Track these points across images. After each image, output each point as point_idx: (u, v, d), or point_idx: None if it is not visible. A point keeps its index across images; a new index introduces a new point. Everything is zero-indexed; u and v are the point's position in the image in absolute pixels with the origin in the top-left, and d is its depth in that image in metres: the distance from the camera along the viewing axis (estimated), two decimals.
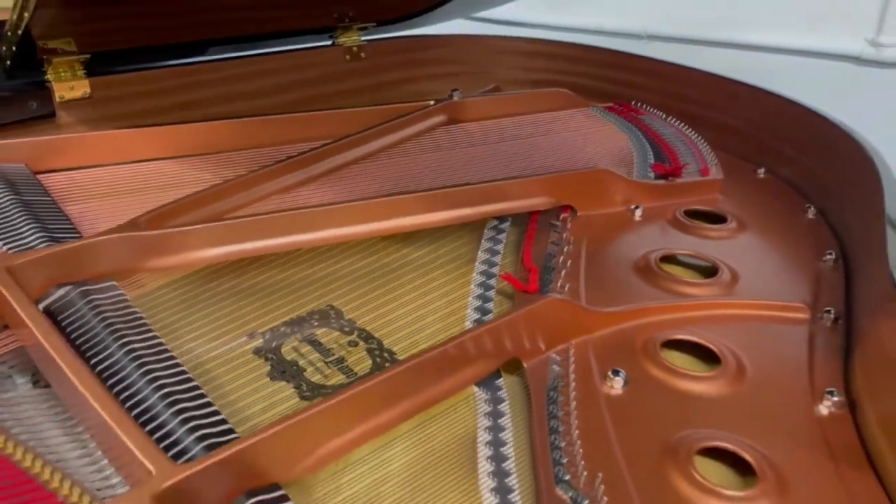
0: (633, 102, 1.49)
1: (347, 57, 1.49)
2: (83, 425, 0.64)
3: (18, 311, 0.71)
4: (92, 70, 1.19)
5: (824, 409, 0.72)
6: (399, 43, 1.53)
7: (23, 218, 0.91)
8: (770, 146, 1.31)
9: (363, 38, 1.50)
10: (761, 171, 1.29)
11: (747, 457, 0.65)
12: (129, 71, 1.24)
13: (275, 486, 0.58)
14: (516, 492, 0.61)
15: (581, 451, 0.65)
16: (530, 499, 0.61)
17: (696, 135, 1.34)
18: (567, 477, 0.62)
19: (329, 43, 1.48)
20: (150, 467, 0.54)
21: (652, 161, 1.24)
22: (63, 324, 0.76)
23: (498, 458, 0.65)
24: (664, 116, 1.43)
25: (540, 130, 1.36)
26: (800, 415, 0.72)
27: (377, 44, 1.51)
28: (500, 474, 0.63)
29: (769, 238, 1.08)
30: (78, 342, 0.73)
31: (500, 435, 0.67)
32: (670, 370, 0.76)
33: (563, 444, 0.65)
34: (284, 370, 0.78)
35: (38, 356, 0.70)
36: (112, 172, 1.10)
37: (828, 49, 1.50)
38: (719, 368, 0.77)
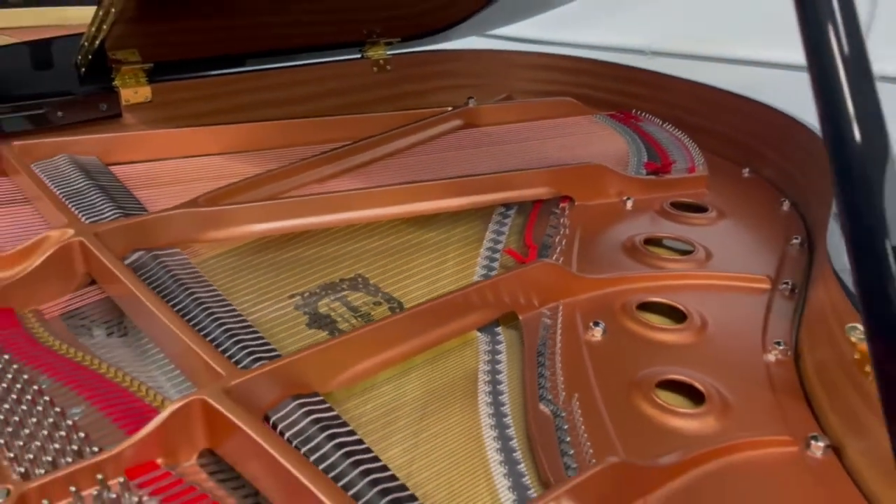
0: (633, 111, 1.64)
1: (374, 69, 1.65)
2: (162, 348, 0.80)
3: (109, 266, 0.87)
4: (153, 77, 1.37)
5: (772, 356, 0.86)
6: (421, 56, 1.70)
7: (99, 197, 1.07)
8: (754, 149, 1.45)
9: (389, 52, 1.67)
10: (746, 170, 1.43)
11: (698, 385, 0.79)
12: (185, 79, 1.42)
13: (315, 394, 0.73)
14: (508, 413, 0.75)
15: (562, 378, 0.79)
16: (519, 415, 0.75)
17: (687, 139, 1.49)
18: (549, 396, 0.76)
19: (358, 56, 1.65)
20: (221, 371, 0.69)
21: (645, 160, 1.39)
22: (142, 278, 0.92)
23: (495, 387, 0.79)
24: (661, 123, 1.57)
25: (547, 134, 1.51)
26: (750, 360, 0.85)
27: (402, 57, 1.67)
28: (496, 401, 0.77)
29: (745, 226, 1.22)
30: (156, 290, 0.89)
31: (497, 370, 0.82)
32: (643, 323, 0.90)
33: (547, 374, 0.80)
34: (319, 322, 0.93)
35: (124, 301, 0.86)
36: (169, 165, 1.27)
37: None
38: (685, 323, 0.91)
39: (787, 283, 1.00)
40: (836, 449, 0.72)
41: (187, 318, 0.82)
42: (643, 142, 1.48)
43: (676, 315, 0.95)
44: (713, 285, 1.01)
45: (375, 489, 0.62)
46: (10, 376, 0.73)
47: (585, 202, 1.23)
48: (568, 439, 0.71)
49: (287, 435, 0.67)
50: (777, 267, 1.07)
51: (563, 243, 1.09)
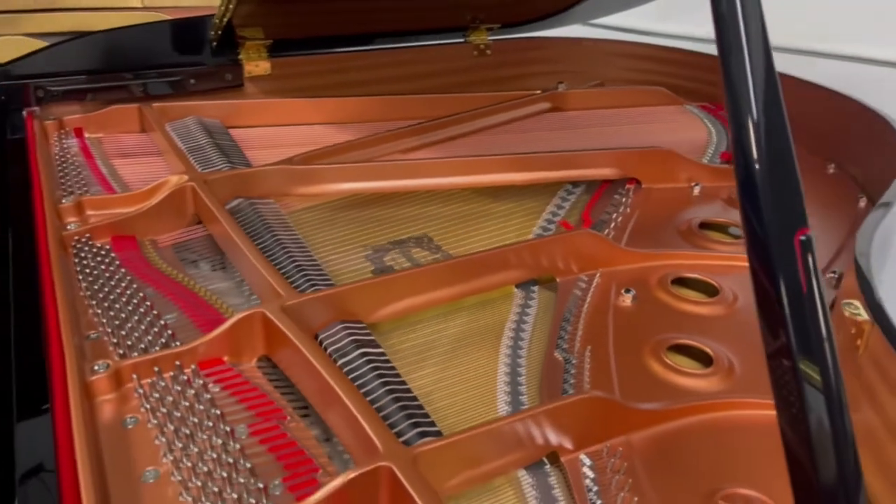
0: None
1: (475, 53, 1.76)
2: (242, 273, 0.96)
3: (211, 207, 1.03)
4: (273, 53, 1.54)
5: None
6: (520, 42, 1.79)
7: (214, 152, 1.25)
8: (842, 145, 1.43)
9: (490, 37, 1.77)
10: (831, 166, 1.43)
11: (708, 350, 0.85)
12: (301, 55, 1.58)
13: (360, 321, 0.85)
14: (523, 360, 0.85)
15: (581, 333, 0.87)
16: (533, 363, 0.84)
17: None
18: (566, 346, 0.85)
19: (461, 40, 1.76)
20: (281, 292, 0.83)
21: (723, 150, 1.41)
22: (238, 221, 1.08)
23: (517, 334, 0.88)
24: None
25: (630, 120, 1.56)
26: None
27: (501, 42, 1.77)
28: (515, 345, 0.87)
29: (811, 218, 1.23)
30: (246, 233, 1.04)
31: (524, 321, 0.91)
32: (674, 295, 0.96)
33: (569, 328, 0.88)
34: (383, 272, 1.05)
35: (219, 237, 1.03)
36: (279, 131, 1.45)
37: None
38: (715, 297, 0.96)
39: (834, 272, 1.02)
40: None
41: (265, 251, 0.97)
42: (727, 133, 1.50)
43: (712, 292, 1.00)
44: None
45: (397, 405, 0.73)
46: (123, 284, 0.90)
47: (652, 185, 1.29)
48: (572, 381, 0.79)
49: (329, 350, 0.80)
50: (831, 258, 1.09)
51: (619, 220, 1.16)
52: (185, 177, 1.11)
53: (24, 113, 1.35)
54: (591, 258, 1.01)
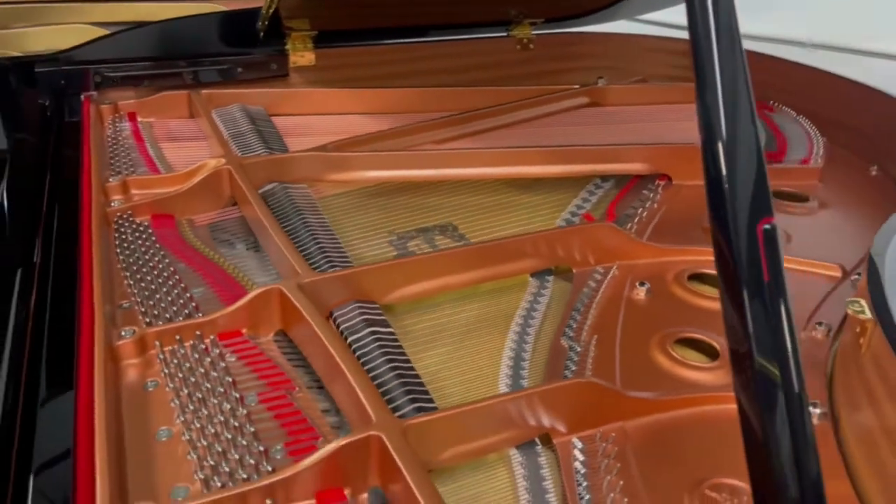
0: (770, 102, 1.63)
1: (518, 47, 1.77)
2: (266, 251, 1.00)
3: (244, 190, 1.08)
4: (318, 44, 1.59)
5: (807, 334, 0.89)
6: (564, 37, 1.79)
7: (255, 139, 1.31)
8: (886, 146, 1.40)
9: (534, 32, 1.78)
10: (874, 168, 1.39)
11: (716, 344, 0.85)
12: (345, 47, 1.63)
13: (373, 302, 0.89)
14: (529, 343, 0.87)
15: (591, 322, 0.89)
16: (540, 349, 0.86)
17: (816, 133, 1.47)
18: (572, 334, 0.87)
19: (504, 34, 1.77)
20: (299, 270, 0.87)
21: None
22: (270, 204, 1.13)
23: (526, 322, 0.90)
24: (795, 115, 1.56)
25: (667, 117, 1.55)
26: None
27: (545, 37, 1.78)
28: (523, 331, 0.89)
29: (847, 220, 1.21)
30: (276, 215, 1.09)
31: (535, 309, 0.93)
32: (688, 290, 0.97)
33: (578, 317, 0.90)
34: (405, 255, 1.09)
35: (252, 221, 1.08)
36: (320, 119, 1.49)
37: None
38: None
39: (859, 274, 1.01)
40: (834, 420, 0.76)
41: (291, 233, 1.02)
42: (767, 131, 1.48)
43: None
44: None
45: (398, 381, 0.76)
46: (156, 259, 0.96)
47: (683, 182, 1.28)
48: (573, 368, 0.81)
49: (341, 328, 0.84)
50: (860, 260, 1.07)
51: (644, 216, 1.16)
52: (223, 160, 1.16)
53: (83, 97, 1.43)
54: (608, 251, 1.02)
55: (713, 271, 1.02)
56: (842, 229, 1.19)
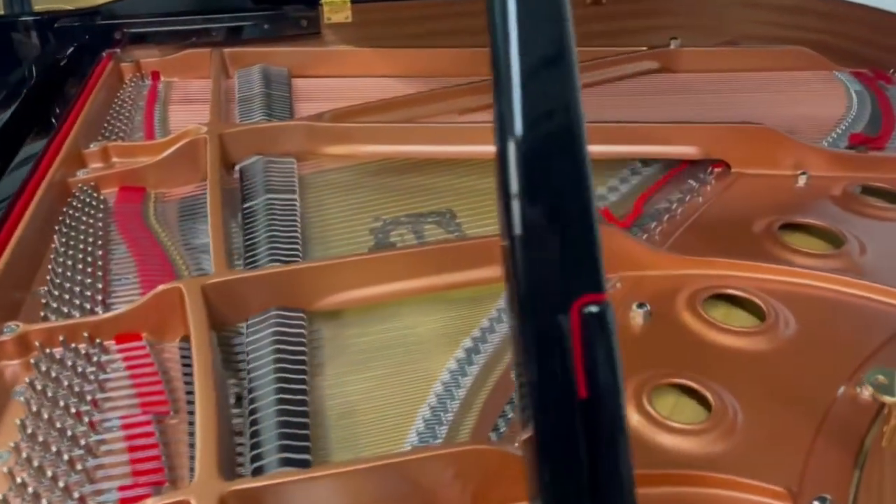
0: (890, 71, 1.32)
1: (588, 1, 1.54)
2: None
3: (208, 167, 0.97)
4: None
5: (849, 390, 0.67)
6: None
7: (258, 104, 1.20)
8: None
9: None
10: None
11: (709, 397, 0.65)
12: (385, 1, 1.47)
13: (299, 310, 0.75)
14: (469, 376, 0.70)
15: None
16: (482, 383, 0.70)
17: None
18: None
19: None
20: (214, 266, 0.76)
21: (857, 130, 1.12)
22: (243, 181, 1.01)
23: (476, 346, 0.74)
24: None
25: (752, 87, 1.29)
26: (815, 388, 0.68)
27: None
28: (468, 359, 0.73)
29: None
30: (244, 192, 0.98)
31: (493, 329, 0.76)
32: (700, 318, 0.76)
33: None
34: (384, 246, 0.94)
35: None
36: (349, 82, 1.35)
37: None
38: (760, 327, 0.74)
39: None
40: None
41: (248, 216, 0.90)
42: (875, 108, 1.19)
43: (760, 318, 0.78)
44: (835, 291, 0.80)
45: (276, 420, 0.62)
46: (91, 241, 0.87)
47: (743, 170, 1.04)
48: (510, 416, 0.64)
49: (248, 341, 0.72)
50: None
51: (679, 212, 0.95)
52: (203, 128, 1.06)
53: (104, 54, 1.37)
54: (608, 259, 0.82)
55: (742, 293, 0.81)
56: None
